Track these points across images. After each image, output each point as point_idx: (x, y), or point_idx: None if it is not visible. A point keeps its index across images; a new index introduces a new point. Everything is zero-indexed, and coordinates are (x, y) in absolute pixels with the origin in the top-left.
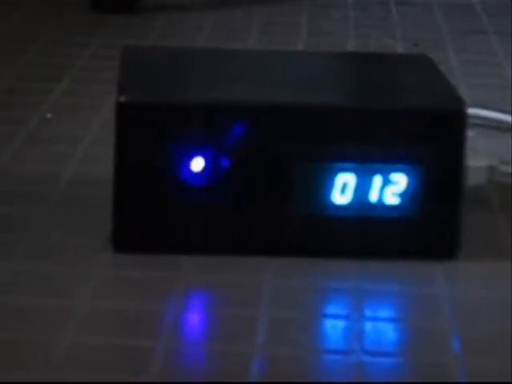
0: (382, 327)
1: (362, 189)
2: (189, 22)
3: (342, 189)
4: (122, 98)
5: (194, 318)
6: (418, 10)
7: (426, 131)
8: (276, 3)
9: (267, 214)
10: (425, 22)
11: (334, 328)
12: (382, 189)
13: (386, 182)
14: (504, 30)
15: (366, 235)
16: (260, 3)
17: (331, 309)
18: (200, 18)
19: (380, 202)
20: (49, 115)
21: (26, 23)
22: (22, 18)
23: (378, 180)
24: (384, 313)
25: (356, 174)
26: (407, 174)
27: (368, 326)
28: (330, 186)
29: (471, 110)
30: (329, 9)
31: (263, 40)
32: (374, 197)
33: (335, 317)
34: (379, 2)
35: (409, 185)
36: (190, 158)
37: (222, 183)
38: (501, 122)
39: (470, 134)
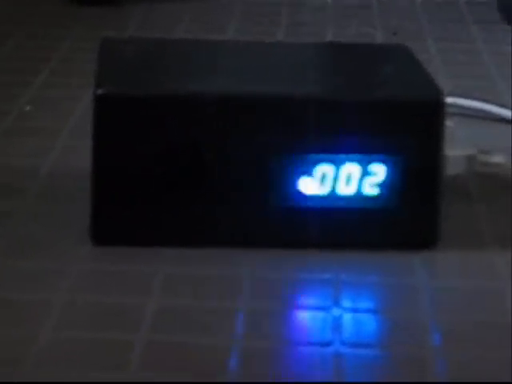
0: (361, 318)
1: (340, 180)
2: (168, 12)
3: (321, 180)
4: (100, 91)
5: (174, 311)
6: None
7: (403, 121)
8: None
9: (245, 207)
10: (404, 10)
11: (312, 320)
12: (360, 180)
13: (365, 172)
14: (483, 19)
15: (345, 226)
16: None
17: (310, 300)
18: (179, 9)
19: (359, 193)
20: (28, 108)
21: (3, 16)
22: (1, 11)
23: (356, 171)
24: (363, 304)
25: (334, 164)
26: (386, 164)
27: (347, 318)
28: (308, 177)
29: (450, 99)
30: None
31: (242, 30)
32: (352, 188)
33: (314, 308)
34: None
35: (387, 175)
36: (169, 150)
37: (200, 176)
38: (480, 110)
39: (449, 123)
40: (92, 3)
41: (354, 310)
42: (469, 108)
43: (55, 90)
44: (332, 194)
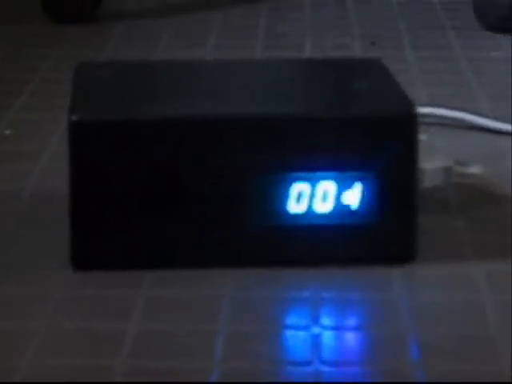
0: (341, 336)
1: (316, 197)
2: (147, 29)
3: (298, 198)
4: (73, 117)
5: (154, 335)
6: (375, 8)
7: (376, 137)
8: (233, 7)
9: (224, 226)
10: (382, 19)
11: (292, 339)
12: (337, 196)
13: (341, 189)
14: (461, 25)
15: (323, 243)
16: (217, 8)
17: (290, 319)
18: (159, 25)
19: (336, 210)
20: (7, 132)
21: None
22: None
23: (332, 188)
24: (342, 321)
25: (310, 182)
26: (361, 180)
27: (326, 336)
28: (285, 195)
29: (426, 109)
30: (286, 10)
31: (221, 44)
32: (329, 205)
33: (293, 327)
34: (336, 1)
35: (363, 191)
36: (145, 173)
37: (178, 198)
38: (457, 119)
39: (423, 136)
40: (71, 21)
41: (334, 328)
42: (446, 117)
43: (35, 112)
44: (309, 212)
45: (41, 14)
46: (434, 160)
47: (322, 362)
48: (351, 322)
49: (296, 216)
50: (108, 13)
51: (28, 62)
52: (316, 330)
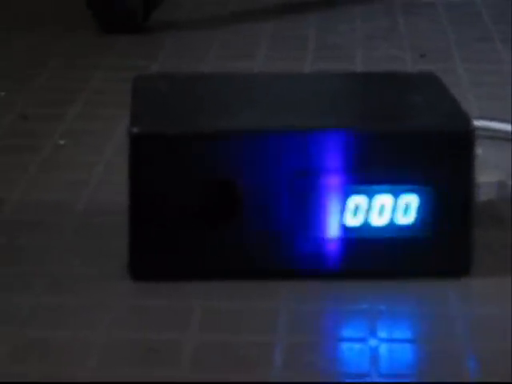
0: (397, 349)
1: (373, 210)
2: (197, 39)
3: (355, 211)
4: (134, 129)
5: (212, 346)
6: (424, 19)
7: (434, 151)
8: (283, 18)
9: (280, 238)
10: (432, 31)
11: (349, 351)
12: (393, 210)
13: (398, 202)
14: (510, 38)
15: (379, 256)
16: (267, 18)
17: (346, 332)
18: (208, 36)
19: (392, 223)
20: (62, 141)
21: (34, 48)
22: (30, 43)
23: (389, 201)
24: (399, 334)
25: (367, 195)
26: (418, 194)
27: (383, 348)
28: (342, 208)
29: (479, 123)
30: (336, 21)
31: (271, 56)
32: (385, 218)
33: (351, 339)
34: (386, 13)
35: (419, 205)
36: (204, 185)
37: (235, 210)
38: (509, 133)
39: (479, 151)
40: (122, 32)
41: (391, 341)
42: (498, 130)
43: (89, 122)
44: (366, 225)
45: (92, 24)
46: (487, 174)
47: (379, 375)
48: (407, 334)
49: (353, 229)
50: (158, 23)
51: (80, 72)
52: (373, 342)
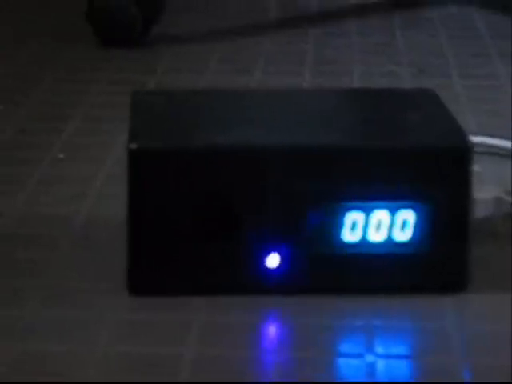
0: (394, 364)
1: (370, 226)
2: (195, 54)
3: (352, 227)
4: (133, 145)
5: (210, 360)
6: (422, 35)
7: (431, 168)
8: (281, 32)
9: (278, 254)
10: (429, 46)
11: (346, 367)
12: (390, 226)
13: (395, 218)
14: (508, 53)
15: (376, 272)
16: (265, 33)
17: (343, 347)
18: (206, 50)
19: (389, 239)
20: (61, 155)
21: (33, 61)
22: (29, 56)
23: (386, 217)
24: (396, 350)
25: (365, 212)
26: (415, 210)
27: (380, 364)
28: (340, 224)
29: (477, 139)
30: (334, 36)
31: (270, 70)
32: (382, 234)
33: (347, 355)
34: (384, 28)
35: (417, 221)
36: (202, 200)
37: (234, 224)
38: (506, 149)
39: (477, 168)
40: (121, 45)
41: (387, 356)
42: (495, 146)
43: (88, 136)
44: (363, 241)
45: (91, 38)
46: (485, 190)
47: None
48: (404, 350)
49: (350, 245)
50: (157, 37)
51: (79, 86)
52: (370, 358)
